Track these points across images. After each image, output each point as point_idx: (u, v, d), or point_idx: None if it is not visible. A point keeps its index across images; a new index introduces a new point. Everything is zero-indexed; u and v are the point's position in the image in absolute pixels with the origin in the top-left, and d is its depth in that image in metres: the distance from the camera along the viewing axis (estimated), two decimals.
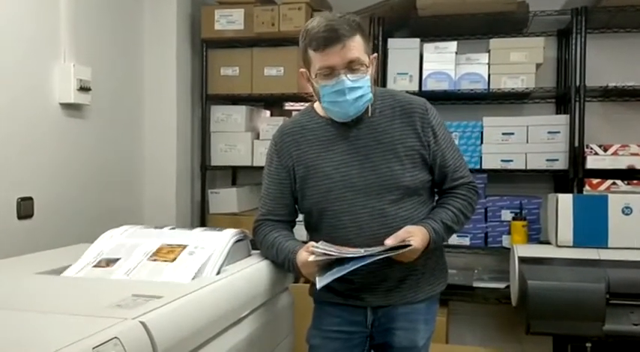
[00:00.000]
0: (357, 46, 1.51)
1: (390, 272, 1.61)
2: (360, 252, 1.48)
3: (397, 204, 1.59)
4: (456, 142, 2.92)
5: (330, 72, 1.51)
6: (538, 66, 2.96)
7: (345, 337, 1.68)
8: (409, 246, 1.48)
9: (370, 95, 1.57)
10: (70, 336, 0.97)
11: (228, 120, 3.26)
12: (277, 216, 1.70)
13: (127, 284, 1.42)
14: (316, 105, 1.69)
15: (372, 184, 1.58)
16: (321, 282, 1.46)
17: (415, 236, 1.52)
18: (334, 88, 1.52)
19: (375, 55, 1.64)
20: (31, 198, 2.26)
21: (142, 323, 1.08)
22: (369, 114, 1.61)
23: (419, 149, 1.61)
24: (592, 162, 2.79)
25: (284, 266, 1.63)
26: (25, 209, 2.23)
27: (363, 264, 1.45)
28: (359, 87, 1.52)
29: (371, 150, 1.60)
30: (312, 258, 1.48)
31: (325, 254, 1.47)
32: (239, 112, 3.25)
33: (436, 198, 1.74)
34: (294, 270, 1.61)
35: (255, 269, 1.62)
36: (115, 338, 1.00)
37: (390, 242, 1.50)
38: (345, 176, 1.60)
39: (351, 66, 1.51)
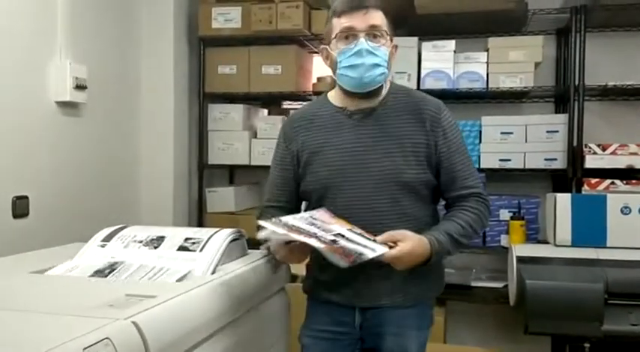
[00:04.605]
0: (379, 17, 1.56)
1: (377, 268, 1.52)
2: (335, 230, 1.37)
3: (395, 200, 1.56)
4: None
5: (351, 34, 1.54)
6: (537, 65, 2.95)
7: (334, 337, 1.66)
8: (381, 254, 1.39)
9: (386, 71, 1.58)
10: (60, 336, 0.96)
11: (226, 118, 3.25)
12: (280, 203, 1.71)
13: (120, 284, 1.40)
14: (330, 93, 1.71)
15: (373, 176, 1.56)
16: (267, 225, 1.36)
17: (406, 241, 1.43)
18: (353, 50, 1.54)
19: (397, 44, 1.65)
20: (26, 197, 2.25)
21: (134, 323, 1.07)
22: (382, 93, 1.61)
23: (425, 148, 1.58)
24: (591, 162, 2.77)
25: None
26: (20, 208, 2.22)
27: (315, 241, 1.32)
28: (377, 54, 1.54)
29: (376, 142, 1.58)
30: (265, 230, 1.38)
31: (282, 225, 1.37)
32: (237, 111, 3.24)
33: (441, 209, 1.68)
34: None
35: (250, 269, 1.61)
36: (107, 338, 0.99)
37: (380, 239, 1.43)
38: (345, 165, 1.59)
39: (372, 31, 1.55)
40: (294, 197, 1.72)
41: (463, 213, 1.58)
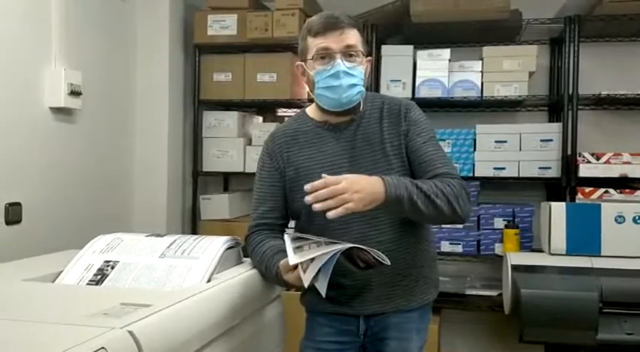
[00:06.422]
0: (355, 36, 1.57)
1: (381, 276, 1.58)
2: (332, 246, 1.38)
3: None
4: (449, 150, 2.95)
5: (327, 55, 1.55)
6: (531, 74, 2.97)
7: (338, 347, 1.66)
8: (380, 262, 1.39)
9: (363, 89, 1.59)
10: (55, 346, 0.94)
11: (221, 125, 3.24)
12: (269, 219, 1.67)
13: (115, 293, 1.39)
14: (308, 109, 1.71)
15: None
16: (320, 288, 1.38)
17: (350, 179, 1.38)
18: (330, 71, 1.54)
19: (371, 58, 1.66)
20: (19, 204, 2.23)
21: (130, 332, 1.05)
22: (360, 108, 1.62)
23: (405, 147, 1.61)
24: (584, 171, 2.79)
25: (276, 281, 1.58)
26: (13, 214, 2.20)
27: (339, 249, 1.35)
28: (354, 75, 1.55)
29: (360, 152, 1.60)
30: (292, 260, 1.37)
31: (301, 247, 1.40)
32: (231, 118, 3.24)
33: None
34: (282, 283, 1.55)
35: (246, 278, 1.60)
36: (102, 348, 0.97)
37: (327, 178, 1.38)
38: None
39: (348, 51, 1.55)
40: (285, 213, 1.70)
41: (432, 180, 1.53)
